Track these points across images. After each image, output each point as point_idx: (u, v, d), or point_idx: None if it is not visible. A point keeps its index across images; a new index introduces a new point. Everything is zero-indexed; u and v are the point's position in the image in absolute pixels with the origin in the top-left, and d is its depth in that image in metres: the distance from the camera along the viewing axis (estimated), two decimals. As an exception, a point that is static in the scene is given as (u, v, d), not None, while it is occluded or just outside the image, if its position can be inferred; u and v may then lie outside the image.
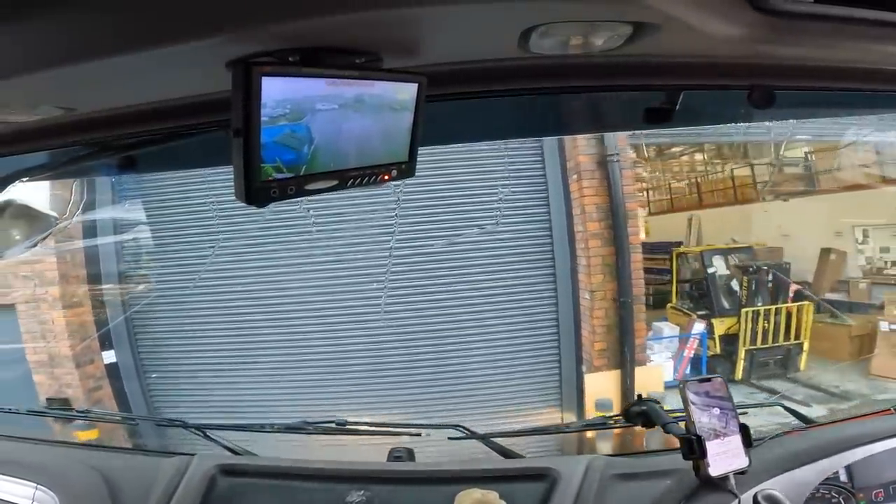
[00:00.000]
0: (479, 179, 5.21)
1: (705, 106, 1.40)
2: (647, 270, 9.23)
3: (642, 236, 11.93)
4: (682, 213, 12.86)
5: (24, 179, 1.33)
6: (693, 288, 8.34)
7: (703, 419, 1.32)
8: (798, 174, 10.82)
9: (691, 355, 7.51)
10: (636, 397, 1.56)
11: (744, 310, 7.47)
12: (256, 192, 0.73)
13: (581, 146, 4.98)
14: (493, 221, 5.11)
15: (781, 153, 10.56)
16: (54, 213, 1.50)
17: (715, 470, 1.28)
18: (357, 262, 5.14)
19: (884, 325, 7.22)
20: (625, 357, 4.99)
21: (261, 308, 5.30)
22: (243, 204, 0.74)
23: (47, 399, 5.27)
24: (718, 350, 7.70)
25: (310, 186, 0.80)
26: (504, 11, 0.71)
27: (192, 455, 1.65)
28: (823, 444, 1.47)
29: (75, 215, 4.18)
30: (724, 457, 1.30)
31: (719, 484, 1.30)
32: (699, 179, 13.69)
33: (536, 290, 5.24)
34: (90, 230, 5.34)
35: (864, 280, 8.76)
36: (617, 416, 1.62)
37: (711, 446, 1.29)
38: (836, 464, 1.44)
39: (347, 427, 1.86)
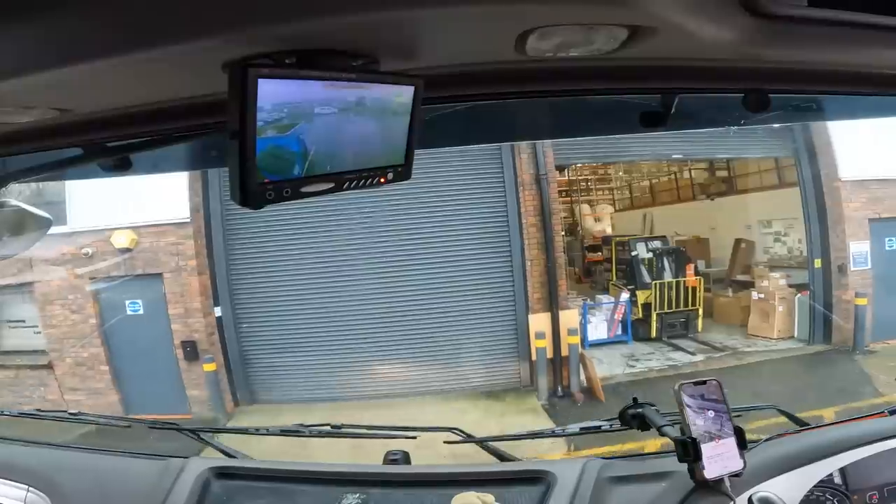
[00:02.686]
0: (459, 184, 7.64)
1: (700, 110, 1.40)
2: (597, 258, 12.02)
3: (609, 230, 14.32)
4: (640, 210, 15.07)
5: (19, 181, 1.32)
6: (624, 267, 10.62)
7: (699, 422, 1.30)
8: (724, 177, 12.96)
9: (620, 318, 9.82)
10: (632, 400, 1.53)
11: (654, 282, 9.82)
12: (252, 194, 0.73)
13: (524, 166, 7.50)
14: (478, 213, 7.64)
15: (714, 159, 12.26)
16: (48, 215, 1.41)
17: (710, 472, 1.27)
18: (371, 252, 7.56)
19: (755, 295, 9.68)
20: (552, 303, 7.51)
21: (311, 280, 7.75)
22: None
23: (182, 342, 7.69)
24: (640, 315, 9.88)
25: (306, 189, 0.80)
26: (501, 14, 0.70)
27: (186, 458, 1.63)
28: (817, 447, 1.46)
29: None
30: (719, 459, 1.28)
31: (714, 486, 1.28)
32: (652, 182, 15.84)
33: (498, 260, 8.12)
34: (207, 224, 7.77)
35: (761, 263, 10.92)
36: (613, 419, 1.59)
37: (706, 449, 1.27)
38: (830, 466, 1.43)
39: (343, 430, 1.84)
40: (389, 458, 1.70)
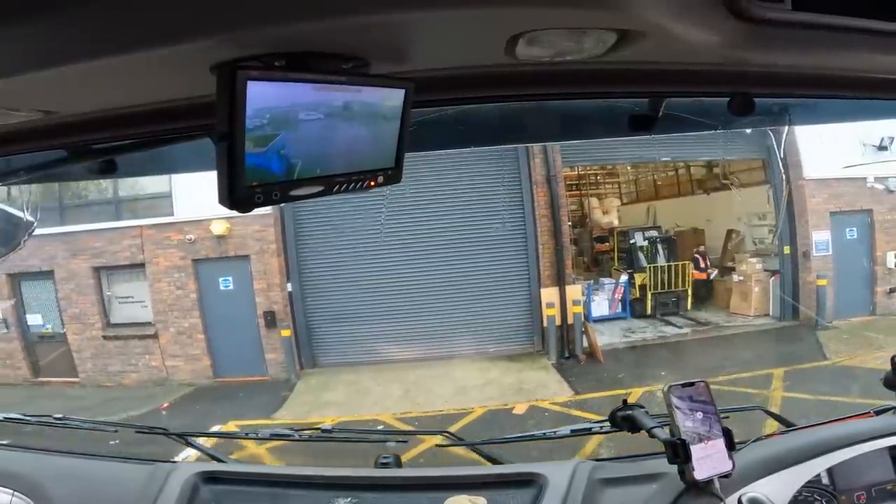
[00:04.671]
0: (485, 182, 9.42)
1: (687, 113, 1.41)
2: (604, 247, 13.55)
3: (616, 222, 15.72)
4: (645, 203, 16.11)
5: (2, 183, 1.33)
6: (624, 254, 12.32)
7: (688, 423, 1.31)
8: (719, 174, 13.83)
9: (619, 297, 11.46)
10: (622, 402, 1.54)
11: (650, 266, 11.48)
12: (240, 196, 0.73)
13: (537, 168, 9.21)
14: (499, 207, 9.50)
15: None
16: (32, 218, 1.27)
17: (700, 474, 1.27)
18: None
19: (735, 278, 11.27)
20: (559, 279, 9.30)
21: (362, 261, 9.68)
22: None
23: (263, 312, 9.47)
24: (637, 295, 11.51)
25: (295, 192, 0.80)
26: (491, 18, 0.71)
27: (173, 462, 1.63)
28: (804, 448, 1.47)
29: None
30: (709, 461, 1.29)
31: (704, 488, 1.29)
32: (655, 178, 17.10)
33: (516, 244, 10.05)
34: (282, 215, 9.58)
35: (750, 251, 12.15)
36: (603, 421, 1.61)
37: (696, 450, 1.28)
38: (817, 466, 1.43)
39: (334, 434, 1.87)
40: (381, 462, 1.68)
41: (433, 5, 0.65)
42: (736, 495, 1.32)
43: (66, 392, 9.59)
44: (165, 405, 8.87)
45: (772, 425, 1.98)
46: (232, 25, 0.65)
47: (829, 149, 9.63)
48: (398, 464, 1.70)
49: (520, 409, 7.60)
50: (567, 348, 9.49)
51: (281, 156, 0.76)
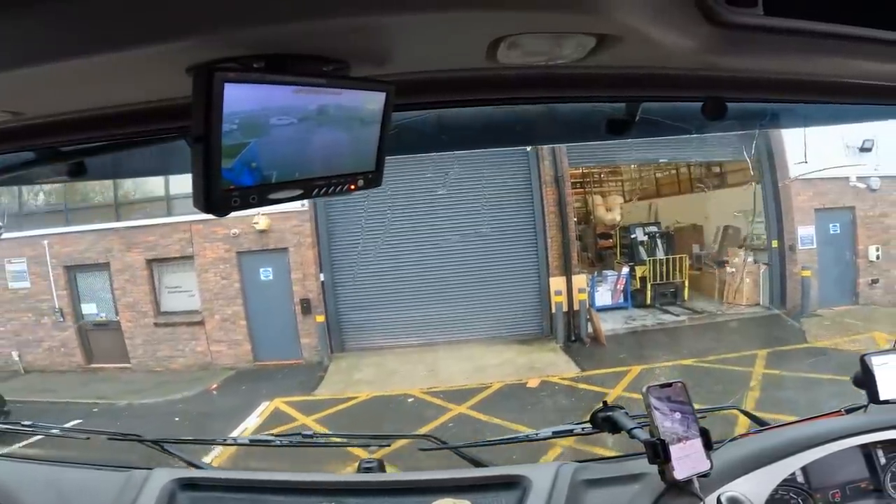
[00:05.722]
0: (500, 181, 10.50)
1: (663, 117, 1.43)
2: (608, 244, 14.40)
3: (619, 219, 16.50)
4: (647, 201, 16.82)
5: None
6: (626, 248, 13.28)
7: (666, 423, 1.34)
8: (717, 172, 14.78)
9: (621, 288, 12.42)
10: (602, 403, 1.57)
11: (649, 259, 12.43)
12: (217, 200, 0.72)
13: (546, 169, 10.18)
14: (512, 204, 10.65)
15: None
16: None
17: (680, 473, 1.30)
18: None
19: (728, 270, 12.18)
20: (566, 269, 10.32)
21: (386, 253, 10.67)
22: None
23: (300, 300, 10.55)
24: (638, 286, 12.43)
25: (274, 196, 0.80)
26: (472, 22, 0.71)
27: (150, 469, 1.59)
28: (778, 446, 1.50)
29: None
30: (688, 460, 1.31)
31: (684, 487, 1.32)
32: (657, 176, 17.53)
33: (527, 237, 11.15)
34: (316, 212, 10.61)
35: (744, 246, 12.85)
36: (584, 422, 1.63)
37: (674, 450, 1.31)
38: (791, 465, 1.47)
39: (315, 439, 1.83)
40: (364, 467, 1.67)
41: (414, 8, 0.65)
42: (715, 494, 1.33)
43: (119, 377, 10.50)
44: (214, 386, 9.79)
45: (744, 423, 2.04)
46: (209, 27, 0.64)
47: (814, 150, 10.55)
48: (381, 468, 1.69)
49: (533, 383, 8.60)
50: (573, 332, 10.49)
51: (252, 168, 0.75)
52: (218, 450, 5.99)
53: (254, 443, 1.90)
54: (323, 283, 10.63)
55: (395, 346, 10.64)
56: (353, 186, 0.92)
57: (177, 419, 8.30)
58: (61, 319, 10.96)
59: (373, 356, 10.43)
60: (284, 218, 10.30)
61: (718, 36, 0.73)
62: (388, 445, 1.79)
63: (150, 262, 10.70)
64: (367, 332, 10.91)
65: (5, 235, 10.67)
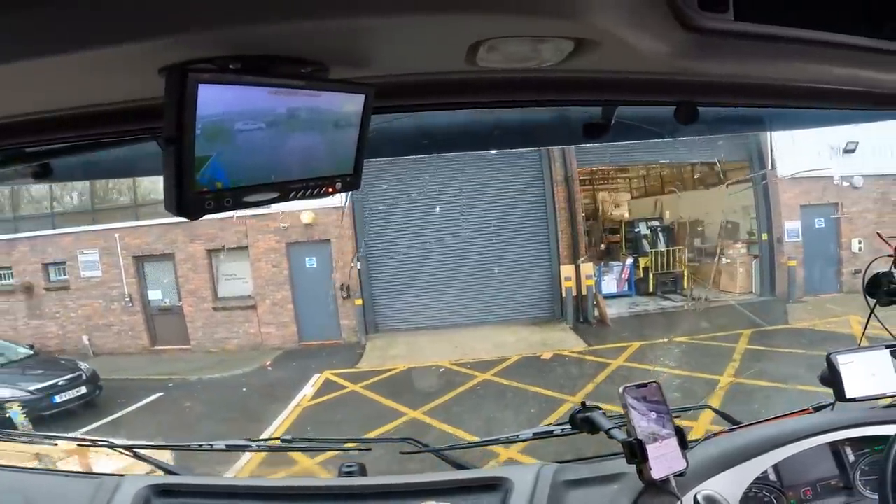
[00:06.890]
0: (515, 180, 11.93)
1: (637, 122, 1.47)
2: (615, 239, 15.56)
3: (626, 215, 17.61)
4: (653, 197, 17.60)
5: None
6: (630, 241, 14.48)
7: (643, 423, 1.35)
8: (718, 171, 15.44)
9: (626, 277, 13.62)
10: (580, 405, 1.59)
11: (652, 250, 13.63)
12: (189, 203, 0.71)
13: (557, 169, 11.56)
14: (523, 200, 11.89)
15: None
16: None
17: (657, 473, 1.31)
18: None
19: (723, 261, 13.41)
20: (575, 257, 11.71)
21: (413, 244, 12.11)
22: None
23: (341, 285, 11.87)
24: (641, 275, 13.59)
25: (248, 199, 0.79)
26: (452, 25, 0.71)
27: (121, 476, 1.57)
28: (749, 445, 1.53)
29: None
30: (664, 460, 1.33)
31: (662, 486, 1.33)
32: (662, 173, 18.44)
33: (540, 230, 12.47)
34: (353, 207, 11.93)
35: (741, 239, 13.96)
36: (564, 423, 1.64)
37: (651, 450, 1.32)
38: (763, 463, 1.50)
39: (294, 444, 1.84)
40: (344, 471, 1.65)
41: (394, 11, 0.65)
42: (691, 493, 1.35)
43: (182, 357, 11.76)
44: (268, 363, 11.07)
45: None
46: (184, 27, 0.62)
47: (800, 151, 11.76)
48: (362, 472, 1.67)
49: (546, 355, 9.96)
50: (581, 315, 11.83)
51: (225, 171, 0.74)
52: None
53: (230, 448, 1.81)
54: (359, 270, 11.98)
55: (423, 327, 11.99)
56: (331, 189, 0.92)
57: (244, 390, 9.64)
58: (130, 305, 12.35)
59: (404, 336, 11.78)
60: (327, 212, 11.68)
61: (691, 40, 0.74)
62: (369, 450, 1.81)
63: (209, 252, 12.12)
64: (398, 315, 12.27)
65: (79, 229, 12.15)
